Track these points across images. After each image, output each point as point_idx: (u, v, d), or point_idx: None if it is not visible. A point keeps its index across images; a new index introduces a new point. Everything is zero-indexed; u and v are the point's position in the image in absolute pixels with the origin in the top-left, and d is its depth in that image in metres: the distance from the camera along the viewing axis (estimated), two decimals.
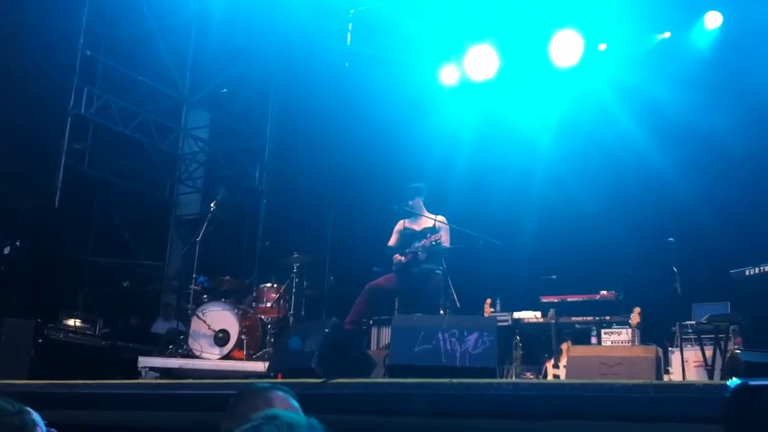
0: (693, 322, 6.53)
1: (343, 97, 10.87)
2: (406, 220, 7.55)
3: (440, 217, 7.43)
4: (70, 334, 8.23)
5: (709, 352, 5.91)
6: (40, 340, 7.62)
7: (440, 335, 5.40)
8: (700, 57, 8.91)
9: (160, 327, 10.06)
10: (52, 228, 9.74)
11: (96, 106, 10.26)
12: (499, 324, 6.95)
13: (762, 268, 5.03)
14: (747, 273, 5.14)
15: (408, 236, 7.39)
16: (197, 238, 8.01)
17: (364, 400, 4.63)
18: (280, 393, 2.62)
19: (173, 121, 11.57)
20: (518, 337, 7.00)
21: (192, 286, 7.88)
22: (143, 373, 7.27)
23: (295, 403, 2.61)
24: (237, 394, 2.58)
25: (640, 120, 8.99)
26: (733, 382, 0.51)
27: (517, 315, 7.41)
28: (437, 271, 7.10)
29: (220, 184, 9.90)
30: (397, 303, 7.79)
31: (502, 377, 6.34)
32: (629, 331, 6.76)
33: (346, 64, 11.04)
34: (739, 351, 4.82)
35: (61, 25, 9.82)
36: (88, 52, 10.19)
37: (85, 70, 10.17)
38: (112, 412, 5.16)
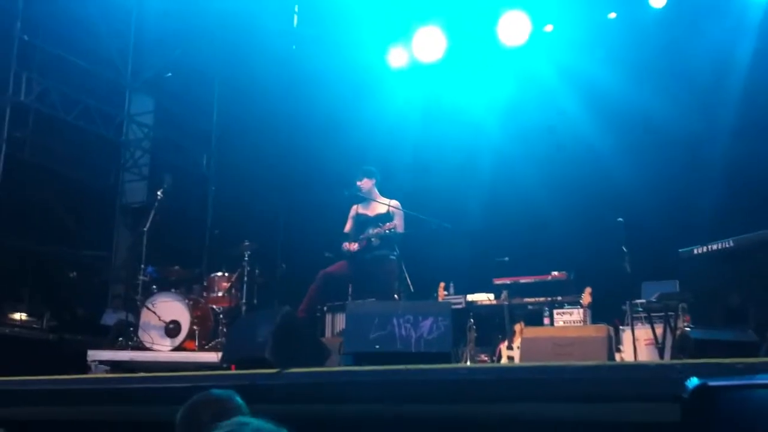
0: (643, 300, 6.58)
1: (291, 80, 10.73)
2: (360, 206, 7.46)
3: (394, 202, 7.35)
4: (16, 329, 8.02)
5: (659, 330, 5.99)
6: None
7: (395, 321, 5.38)
8: (644, 39, 9.01)
9: (109, 318, 9.80)
10: None
11: (36, 93, 9.91)
12: (453, 307, 7.00)
13: (709, 246, 5.10)
14: (695, 252, 5.21)
15: (362, 222, 7.29)
16: (145, 227, 7.82)
17: (320, 389, 4.60)
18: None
19: (116, 107, 11.25)
20: (472, 320, 7.03)
21: (140, 277, 7.70)
22: (93, 367, 7.11)
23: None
24: (194, 403, 2.52)
25: (587, 101, 9.08)
26: (692, 381, 0.49)
27: (470, 297, 7.51)
28: (391, 257, 7.03)
29: (166, 171, 9.68)
30: (350, 289, 7.76)
31: (457, 359, 6.37)
32: (581, 311, 6.89)
33: (294, 47, 10.89)
34: (688, 329, 4.92)
35: None
36: (26, 37, 9.84)
37: (23, 55, 9.75)
38: (65, 407, 5.06)
